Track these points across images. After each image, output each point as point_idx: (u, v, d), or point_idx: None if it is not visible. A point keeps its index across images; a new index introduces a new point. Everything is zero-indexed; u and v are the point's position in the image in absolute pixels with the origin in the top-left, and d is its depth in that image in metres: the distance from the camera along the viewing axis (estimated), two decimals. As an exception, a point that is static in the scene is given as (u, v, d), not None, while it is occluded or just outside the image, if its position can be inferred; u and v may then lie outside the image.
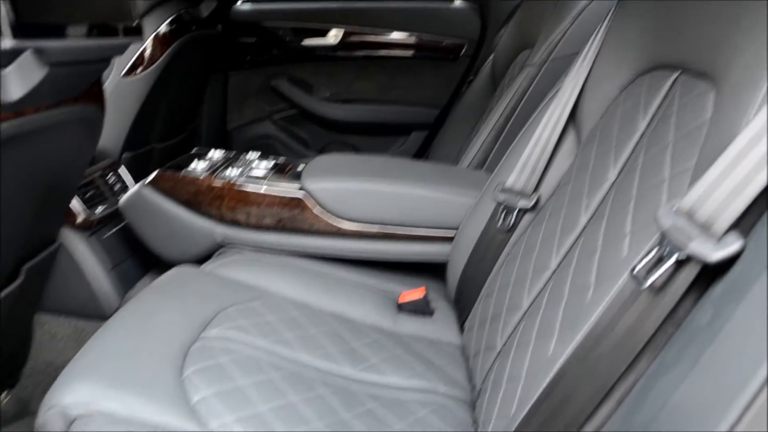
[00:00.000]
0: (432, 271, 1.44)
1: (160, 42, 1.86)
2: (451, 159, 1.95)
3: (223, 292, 1.13)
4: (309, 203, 1.36)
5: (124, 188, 1.67)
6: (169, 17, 1.91)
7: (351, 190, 1.35)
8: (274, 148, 2.68)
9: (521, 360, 0.82)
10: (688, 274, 0.55)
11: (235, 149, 1.67)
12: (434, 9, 2.55)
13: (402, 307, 1.24)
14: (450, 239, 1.32)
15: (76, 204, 1.47)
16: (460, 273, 1.21)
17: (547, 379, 0.68)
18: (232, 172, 1.44)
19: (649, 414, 0.47)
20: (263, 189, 1.38)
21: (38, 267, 1.22)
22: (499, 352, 0.93)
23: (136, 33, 1.03)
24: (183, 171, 1.43)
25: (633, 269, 0.57)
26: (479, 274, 1.15)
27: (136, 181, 1.53)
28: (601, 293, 0.65)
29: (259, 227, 1.38)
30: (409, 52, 2.61)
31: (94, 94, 1.05)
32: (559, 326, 0.74)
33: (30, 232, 1.12)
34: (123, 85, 1.73)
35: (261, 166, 1.49)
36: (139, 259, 1.64)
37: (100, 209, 1.54)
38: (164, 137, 2.10)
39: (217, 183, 1.39)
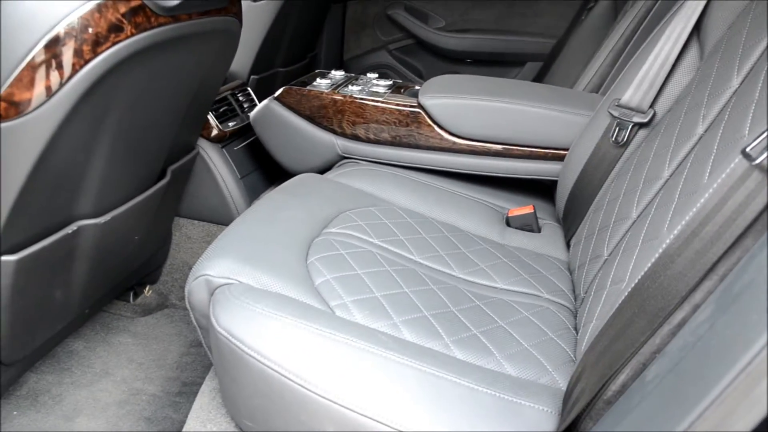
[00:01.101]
0: (539, 191, 1.46)
1: (286, -30, 1.93)
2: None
3: (343, 197, 1.21)
4: (425, 119, 1.41)
5: (252, 106, 1.78)
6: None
7: (466, 106, 1.38)
8: (389, 77, 2.73)
9: (626, 264, 0.84)
10: None
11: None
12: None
13: (510, 222, 1.28)
14: (561, 158, 1.33)
15: (210, 118, 1.60)
16: (570, 188, 1.22)
17: (650, 263, 0.70)
18: (353, 89, 1.51)
19: (746, 280, 0.49)
20: (382, 104, 1.44)
21: (181, 169, 1.36)
22: (606, 260, 0.96)
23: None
24: (308, 86, 1.52)
25: (745, 149, 0.58)
26: (589, 190, 1.17)
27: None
28: (711, 181, 0.66)
29: (377, 142, 1.45)
30: (527, -21, 2.56)
31: (235, 8, 1.14)
32: (668, 223, 0.76)
33: (176, 136, 1.25)
34: (253, 9, 1.83)
35: (380, 84, 1.55)
36: (264, 173, 1.77)
37: (231, 124, 1.67)
38: (287, 63, 2.20)
39: (339, 97, 1.47)
